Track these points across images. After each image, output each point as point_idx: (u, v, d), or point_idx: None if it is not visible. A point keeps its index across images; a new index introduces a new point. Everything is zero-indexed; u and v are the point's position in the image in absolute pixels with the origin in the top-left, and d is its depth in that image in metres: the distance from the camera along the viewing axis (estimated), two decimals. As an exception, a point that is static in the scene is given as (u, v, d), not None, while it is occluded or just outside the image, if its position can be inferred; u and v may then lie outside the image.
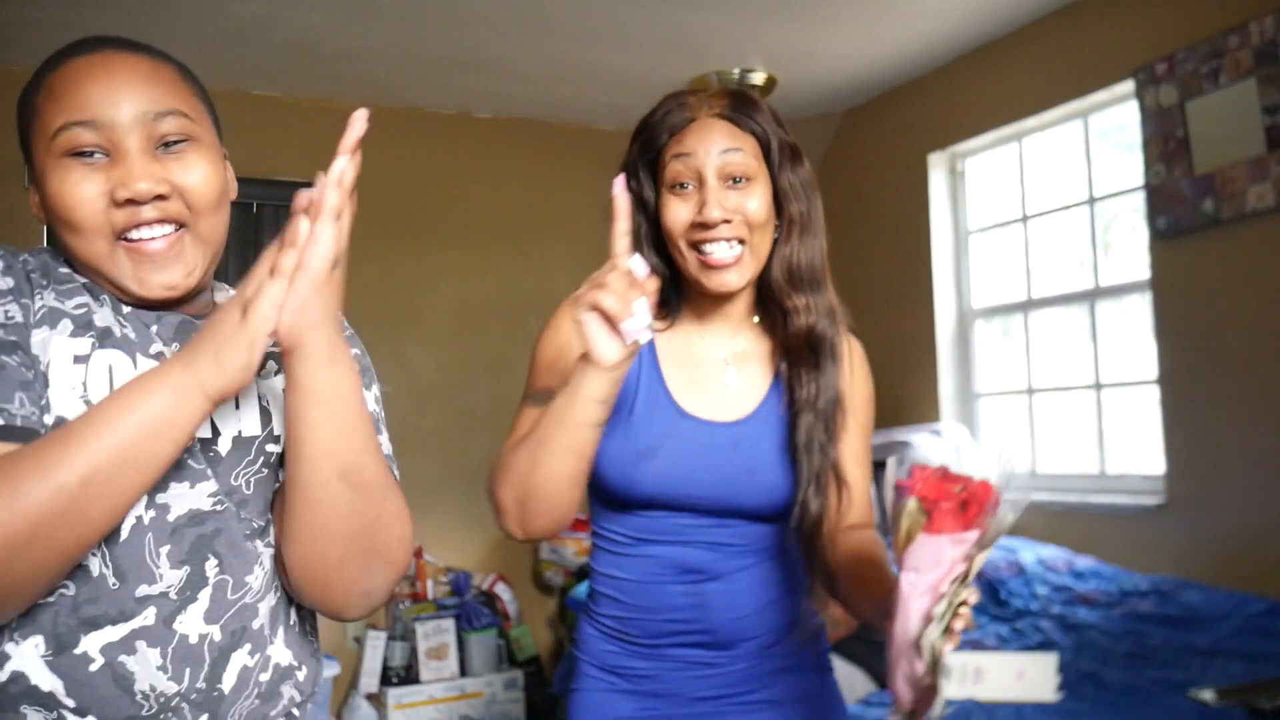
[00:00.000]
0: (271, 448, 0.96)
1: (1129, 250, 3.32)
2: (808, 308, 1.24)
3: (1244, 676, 2.18)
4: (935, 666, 0.93)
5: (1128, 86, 3.16)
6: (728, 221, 1.20)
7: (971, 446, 3.57)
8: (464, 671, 3.77)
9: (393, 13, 3.22)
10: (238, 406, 0.95)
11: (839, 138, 4.43)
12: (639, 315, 1.03)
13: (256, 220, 3.81)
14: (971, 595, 0.95)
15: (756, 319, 1.32)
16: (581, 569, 4.03)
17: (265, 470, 0.95)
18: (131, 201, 0.87)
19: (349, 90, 3.89)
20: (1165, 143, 3.02)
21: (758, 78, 3.76)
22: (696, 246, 1.22)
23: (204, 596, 0.89)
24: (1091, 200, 3.43)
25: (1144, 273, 3.17)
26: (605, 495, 1.28)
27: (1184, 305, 3.01)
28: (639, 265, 1.04)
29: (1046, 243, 3.63)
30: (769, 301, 1.28)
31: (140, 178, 0.87)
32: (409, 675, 3.72)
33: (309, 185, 0.81)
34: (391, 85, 3.86)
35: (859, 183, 4.24)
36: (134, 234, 0.89)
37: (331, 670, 3.53)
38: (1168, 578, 2.81)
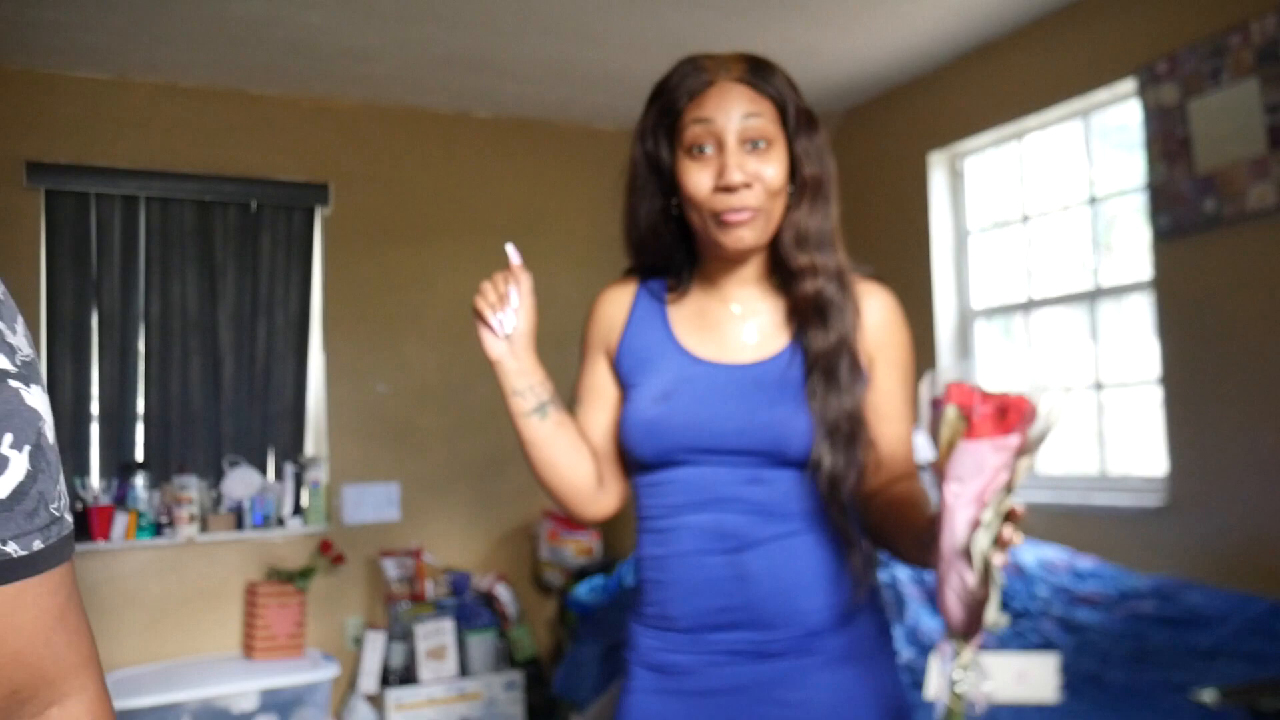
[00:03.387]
0: None
1: (1130, 250, 3.32)
2: (814, 270, 1.25)
3: (1245, 678, 2.17)
4: (987, 575, 0.91)
5: (1129, 85, 3.16)
6: (748, 186, 1.21)
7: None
8: (463, 672, 3.77)
9: (393, 12, 3.22)
10: None
11: (839, 137, 4.42)
12: (507, 309, 1.28)
13: (255, 220, 3.82)
14: (1017, 506, 0.93)
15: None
16: (581, 569, 4.02)
17: None
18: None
19: (349, 90, 3.88)
20: (1166, 142, 3.01)
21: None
22: (716, 213, 1.23)
23: None
24: (1093, 200, 3.43)
25: (1145, 273, 3.17)
26: (634, 456, 1.29)
27: (1186, 305, 3.01)
28: (512, 253, 1.30)
29: (1047, 243, 3.63)
30: (781, 266, 1.29)
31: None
32: (408, 676, 3.72)
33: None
34: (391, 85, 3.86)
35: (859, 182, 4.23)
36: None
37: (330, 671, 3.52)
38: (1169, 579, 2.80)
